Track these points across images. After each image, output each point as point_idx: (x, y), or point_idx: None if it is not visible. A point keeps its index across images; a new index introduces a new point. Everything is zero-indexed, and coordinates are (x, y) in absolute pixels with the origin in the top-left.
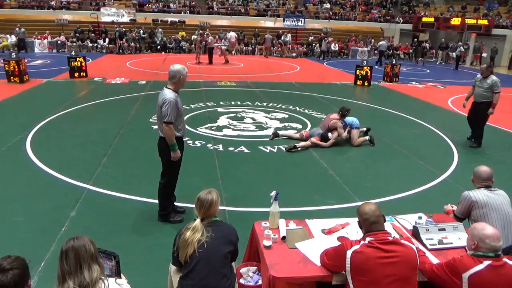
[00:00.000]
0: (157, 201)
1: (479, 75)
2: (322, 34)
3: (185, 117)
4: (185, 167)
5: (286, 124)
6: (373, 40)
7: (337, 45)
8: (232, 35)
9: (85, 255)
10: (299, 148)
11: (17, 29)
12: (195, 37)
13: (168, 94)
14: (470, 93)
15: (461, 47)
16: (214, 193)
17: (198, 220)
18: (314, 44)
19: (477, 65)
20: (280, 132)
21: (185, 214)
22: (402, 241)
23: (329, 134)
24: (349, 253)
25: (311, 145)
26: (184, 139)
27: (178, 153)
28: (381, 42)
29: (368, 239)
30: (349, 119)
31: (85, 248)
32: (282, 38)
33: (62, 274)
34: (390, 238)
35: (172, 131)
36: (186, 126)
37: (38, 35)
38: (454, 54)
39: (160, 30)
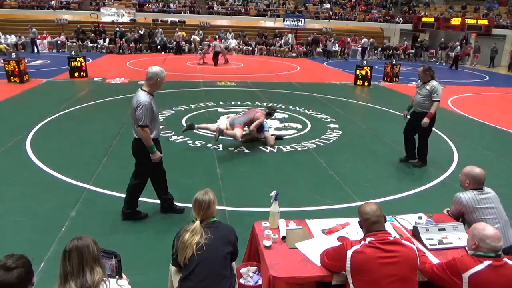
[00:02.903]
0: (155, 201)
1: (419, 81)
2: (321, 36)
3: (185, 117)
4: (185, 167)
5: (286, 124)
6: (349, 39)
7: (336, 44)
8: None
9: (88, 257)
10: (225, 136)
11: (29, 29)
12: (195, 37)
13: (142, 97)
14: (411, 102)
15: (458, 47)
16: (211, 193)
17: (198, 222)
18: (318, 45)
19: (476, 65)
20: (197, 125)
21: (184, 213)
22: (403, 241)
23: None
24: (349, 253)
25: (235, 135)
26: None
27: (158, 154)
28: (363, 40)
29: (368, 239)
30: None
31: (89, 250)
32: (284, 38)
33: (64, 274)
34: (391, 238)
35: (148, 134)
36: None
37: (38, 35)
38: (453, 54)
39: (160, 30)
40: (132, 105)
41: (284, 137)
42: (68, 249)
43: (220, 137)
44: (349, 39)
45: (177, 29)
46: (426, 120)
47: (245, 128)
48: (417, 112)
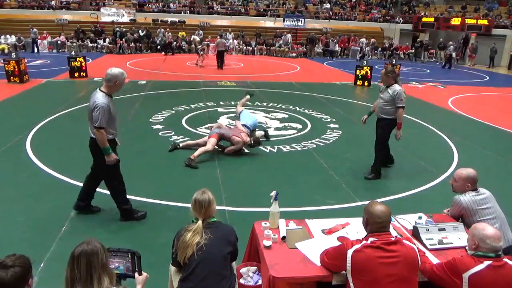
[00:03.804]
0: (155, 201)
1: (382, 84)
2: (322, 35)
3: (185, 117)
4: (185, 168)
5: (286, 124)
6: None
7: (336, 44)
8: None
9: (97, 265)
10: (197, 158)
11: (30, 29)
12: (195, 37)
13: (100, 98)
14: (373, 107)
15: (451, 46)
16: (209, 192)
17: (200, 222)
18: (315, 44)
19: (475, 65)
20: (181, 144)
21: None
22: (404, 241)
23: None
24: (349, 252)
25: (206, 149)
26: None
27: (113, 156)
28: (361, 39)
29: (370, 239)
30: (251, 121)
31: (98, 257)
32: (283, 38)
33: (71, 279)
34: (392, 239)
35: (103, 136)
36: (186, 126)
37: (38, 35)
38: (447, 53)
39: (162, 30)
40: (90, 105)
41: (278, 139)
42: (77, 255)
43: (194, 162)
44: (365, 40)
45: (167, 29)
46: (398, 132)
47: (220, 143)
48: (379, 118)
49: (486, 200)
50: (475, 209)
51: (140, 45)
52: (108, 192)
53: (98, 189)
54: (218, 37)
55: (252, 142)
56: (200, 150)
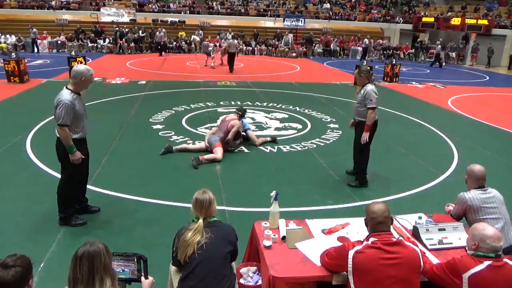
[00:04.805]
0: (155, 201)
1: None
2: (322, 35)
3: (186, 117)
4: (185, 167)
5: (286, 124)
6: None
7: (337, 44)
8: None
9: (99, 266)
10: (205, 161)
11: (30, 29)
12: (195, 37)
13: (64, 95)
14: None
15: (439, 46)
16: (210, 192)
17: (200, 221)
18: (314, 44)
19: (473, 64)
20: (174, 147)
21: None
22: (406, 243)
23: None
24: (351, 253)
25: (216, 157)
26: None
27: (77, 155)
28: (365, 40)
29: (371, 239)
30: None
31: (100, 259)
32: (284, 38)
33: (73, 279)
34: (394, 239)
35: (66, 134)
36: (186, 126)
37: (38, 35)
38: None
39: (163, 30)
40: (54, 103)
41: (277, 138)
42: (80, 255)
43: (200, 164)
44: (380, 40)
45: (159, 28)
46: (364, 135)
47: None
48: (356, 121)
49: (492, 199)
50: (479, 206)
51: (141, 45)
52: (106, 191)
53: (96, 189)
54: (230, 38)
55: (239, 112)
56: (211, 156)
